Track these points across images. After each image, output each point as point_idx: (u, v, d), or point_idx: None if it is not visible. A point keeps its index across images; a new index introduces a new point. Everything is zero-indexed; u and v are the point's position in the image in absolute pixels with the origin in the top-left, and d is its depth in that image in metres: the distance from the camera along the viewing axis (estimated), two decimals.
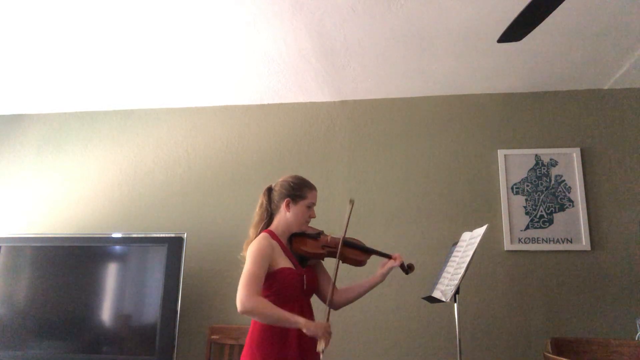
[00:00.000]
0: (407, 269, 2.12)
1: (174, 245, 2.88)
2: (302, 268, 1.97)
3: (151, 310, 2.83)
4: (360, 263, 2.06)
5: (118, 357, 2.79)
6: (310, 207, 2.00)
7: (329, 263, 2.04)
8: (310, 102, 3.37)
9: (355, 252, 2.06)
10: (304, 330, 1.72)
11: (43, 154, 3.54)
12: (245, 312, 1.72)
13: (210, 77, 3.02)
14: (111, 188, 3.41)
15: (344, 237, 1.98)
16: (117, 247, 3.04)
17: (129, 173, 3.42)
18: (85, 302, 2.90)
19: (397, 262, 2.06)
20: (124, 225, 3.28)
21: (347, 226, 1.96)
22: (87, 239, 3.03)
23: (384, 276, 2.06)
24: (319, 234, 2.06)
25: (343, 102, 3.34)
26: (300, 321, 1.73)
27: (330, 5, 2.24)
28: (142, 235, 3.01)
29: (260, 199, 2.05)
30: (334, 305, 2.02)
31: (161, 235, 2.95)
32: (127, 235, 3.03)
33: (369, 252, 2.10)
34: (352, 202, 1.98)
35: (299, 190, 1.99)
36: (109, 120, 3.54)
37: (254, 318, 1.80)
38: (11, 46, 2.65)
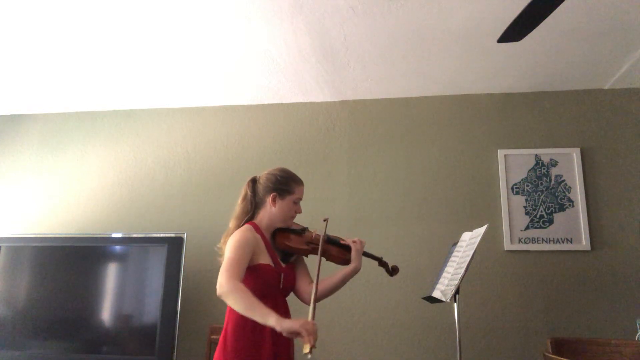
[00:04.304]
0: (392, 270, 2.07)
1: (174, 245, 2.88)
2: (283, 265, 1.89)
3: (151, 310, 2.83)
4: (345, 261, 1.94)
5: (118, 357, 2.79)
6: (296, 202, 1.93)
7: (313, 261, 1.90)
8: (310, 102, 3.36)
9: (339, 249, 1.96)
10: (278, 329, 1.51)
11: (43, 154, 3.54)
12: (223, 293, 1.60)
13: (210, 77, 3.02)
14: (111, 188, 3.40)
15: (324, 234, 1.91)
16: (117, 247, 3.04)
17: (128, 173, 3.42)
18: (85, 302, 2.90)
19: (359, 245, 1.93)
20: (124, 225, 3.28)
21: (325, 232, 1.91)
22: (87, 239, 3.03)
23: (355, 262, 1.91)
24: (304, 229, 1.97)
25: (343, 102, 3.34)
26: (271, 319, 1.52)
27: (330, 5, 2.24)
28: (142, 235, 3.01)
29: (244, 190, 1.95)
30: (307, 300, 1.88)
31: (161, 235, 2.95)
32: (127, 235, 3.03)
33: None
34: (325, 220, 1.94)
35: (286, 184, 1.91)
36: (109, 120, 3.53)
37: (229, 302, 1.63)
38: (11, 46, 2.65)
